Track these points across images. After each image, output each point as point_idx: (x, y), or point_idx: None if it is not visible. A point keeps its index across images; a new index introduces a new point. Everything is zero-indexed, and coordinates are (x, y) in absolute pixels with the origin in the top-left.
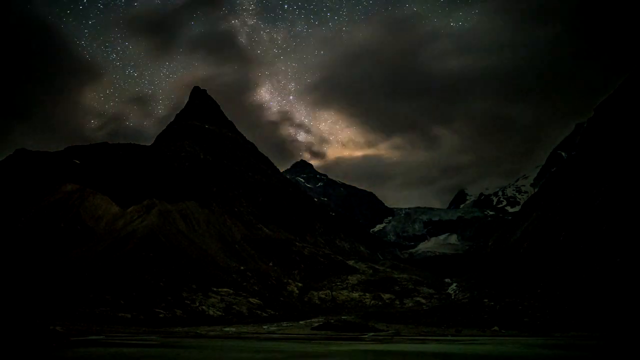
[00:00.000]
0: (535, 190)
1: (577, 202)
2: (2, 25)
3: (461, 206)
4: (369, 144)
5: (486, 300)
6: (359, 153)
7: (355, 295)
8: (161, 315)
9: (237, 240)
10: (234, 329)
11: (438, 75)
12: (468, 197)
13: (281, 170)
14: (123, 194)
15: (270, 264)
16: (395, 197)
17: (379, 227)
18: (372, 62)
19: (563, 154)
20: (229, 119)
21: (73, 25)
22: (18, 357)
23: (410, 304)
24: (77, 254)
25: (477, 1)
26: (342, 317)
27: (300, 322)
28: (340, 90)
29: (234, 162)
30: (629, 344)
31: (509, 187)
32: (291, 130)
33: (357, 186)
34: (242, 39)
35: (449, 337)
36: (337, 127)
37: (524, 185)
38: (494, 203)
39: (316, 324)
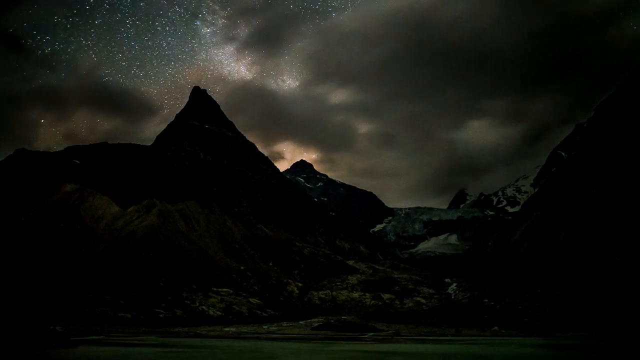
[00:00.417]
0: (535, 190)
1: (577, 202)
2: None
3: (461, 206)
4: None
5: (486, 300)
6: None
7: (355, 295)
8: (161, 315)
9: (237, 240)
10: (234, 329)
11: None
12: (468, 197)
13: (281, 170)
14: (123, 194)
15: (270, 264)
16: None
17: (379, 227)
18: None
19: (563, 154)
20: (229, 119)
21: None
22: (18, 357)
23: (410, 304)
24: (77, 254)
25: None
26: (342, 317)
27: (300, 322)
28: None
29: (234, 162)
30: (629, 344)
31: (509, 187)
32: None
33: (357, 186)
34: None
35: (449, 337)
36: None
37: (524, 185)
38: (494, 203)
39: (316, 324)
